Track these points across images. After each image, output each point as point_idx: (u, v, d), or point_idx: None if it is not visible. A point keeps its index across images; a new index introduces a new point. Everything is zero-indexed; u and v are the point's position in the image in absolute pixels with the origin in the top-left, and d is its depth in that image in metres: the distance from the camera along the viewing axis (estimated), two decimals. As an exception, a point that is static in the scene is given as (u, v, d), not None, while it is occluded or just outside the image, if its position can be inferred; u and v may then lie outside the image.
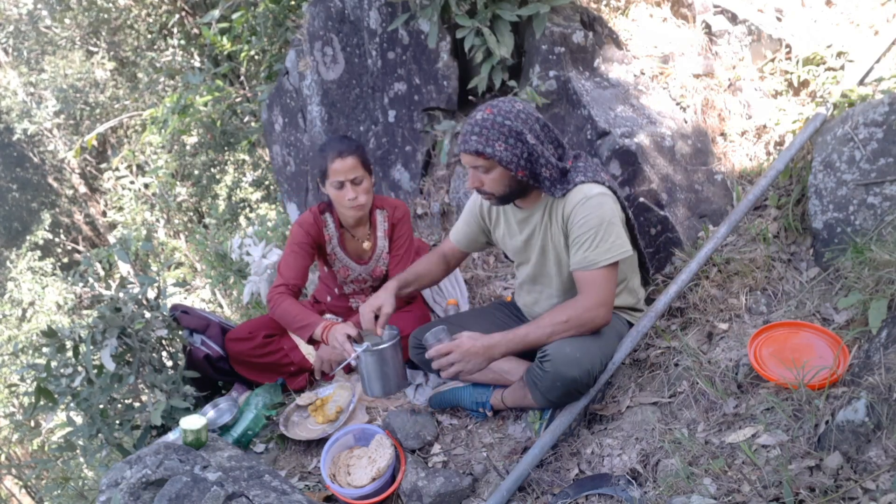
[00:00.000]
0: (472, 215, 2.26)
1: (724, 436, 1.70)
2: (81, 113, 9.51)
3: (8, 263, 10.08)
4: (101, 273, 9.04)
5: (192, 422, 1.88)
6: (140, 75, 8.87)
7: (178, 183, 8.71)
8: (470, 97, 3.15)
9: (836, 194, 2.15)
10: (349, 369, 2.61)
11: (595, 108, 2.66)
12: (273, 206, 8.39)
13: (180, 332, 2.59)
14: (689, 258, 2.33)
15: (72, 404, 2.25)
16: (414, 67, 3.25)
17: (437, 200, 3.32)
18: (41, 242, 10.65)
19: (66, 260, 11.77)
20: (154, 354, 2.44)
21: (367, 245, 2.60)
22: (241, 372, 2.60)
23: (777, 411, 1.66)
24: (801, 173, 2.40)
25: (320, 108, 3.70)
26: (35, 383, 2.21)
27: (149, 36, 8.48)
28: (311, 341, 2.31)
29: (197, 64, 7.62)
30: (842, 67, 2.78)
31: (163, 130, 5.27)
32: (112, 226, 10.41)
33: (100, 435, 2.27)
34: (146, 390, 2.39)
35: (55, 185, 12.07)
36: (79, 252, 12.15)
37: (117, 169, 8.65)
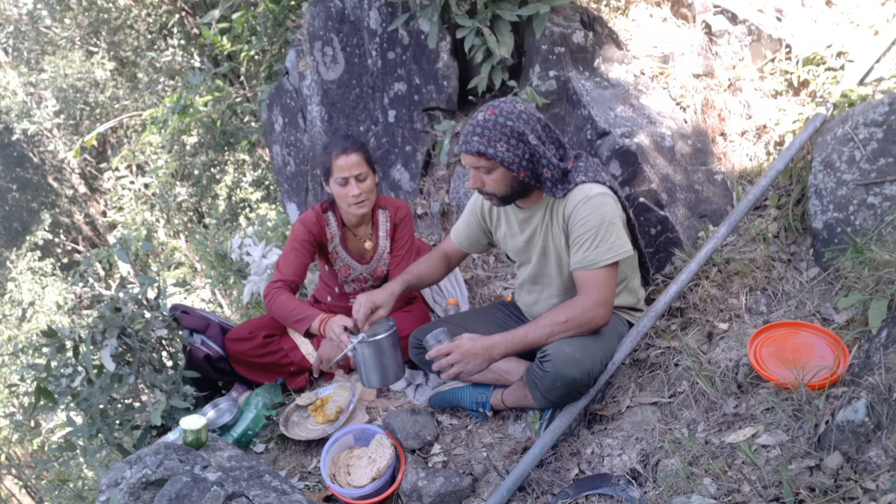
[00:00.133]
0: (473, 216, 2.26)
1: (724, 436, 1.70)
2: (81, 113, 9.51)
3: (8, 263, 10.09)
4: (101, 273, 9.06)
5: (192, 422, 1.88)
6: (140, 75, 8.88)
7: (178, 183, 8.71)
8: (470, 97, 3.15)
9: (836, 194, 2.15)
10: (348, 368, 2.61)
11: (595, 108, 2.66)
12: (273, 206, 8.38)
13: (180, 332, 2.59)
14: (689, 258, 2.33)
15: (72, 404, 2.25)
16: (414, 67, 3.25)
17: (437, 200, 3.32)
18: (41, 242, 10.67)
19: (66, 260, 11.78)
20: (154, 354, 2.44)
21: (368, 244, 2.60)
22: (241, 372, 2.60)
23: (777, 411, 1.66)
24: (801, 173, 2.40)
25: (320, 108, 3.70)
26: (35, 383, 2.21)
27: (149, 36, 8.49)
28: (308, 335, 2.30)
29: (197, 64, 7.63)
30: (842, 67, 2.78)
31: (163, 130, 5.27)
32: (112, 226, 10.42)
33: (100, 435, 2.27)
34: (146, 390, 2.39)
35: (55, 185, 12.07)
36: (79, 252, 12.16)
37: (117, 169, 8.66)
